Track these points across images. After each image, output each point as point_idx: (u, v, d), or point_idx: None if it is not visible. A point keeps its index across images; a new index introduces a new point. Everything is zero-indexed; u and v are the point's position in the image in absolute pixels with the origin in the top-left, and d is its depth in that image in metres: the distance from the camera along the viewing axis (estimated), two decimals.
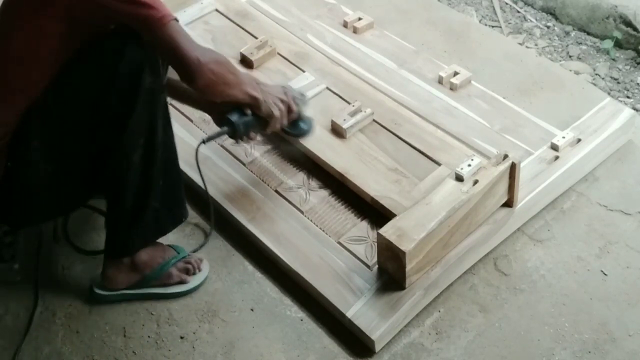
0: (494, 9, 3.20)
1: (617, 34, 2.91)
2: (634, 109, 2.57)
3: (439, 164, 2.13)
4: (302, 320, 1.93)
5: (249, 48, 2.50)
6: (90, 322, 1.95)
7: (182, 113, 2.36)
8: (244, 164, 2.24)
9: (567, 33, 3.05)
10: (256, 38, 2.56)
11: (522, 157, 2.12)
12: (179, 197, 1.94)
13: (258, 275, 2.03)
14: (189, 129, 2.33)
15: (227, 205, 2.13)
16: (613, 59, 2.89)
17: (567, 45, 2.99)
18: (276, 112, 1.95)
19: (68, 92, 1.71)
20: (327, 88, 2.40)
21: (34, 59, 1.70)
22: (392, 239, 1.82)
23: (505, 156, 1.97)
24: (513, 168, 1.96)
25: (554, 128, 2.26)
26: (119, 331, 1.92)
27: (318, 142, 2.20)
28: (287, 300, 1.97)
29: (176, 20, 1.71)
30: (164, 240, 2.00)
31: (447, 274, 1.94)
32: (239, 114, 1.94)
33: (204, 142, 2.00)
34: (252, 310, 1.96)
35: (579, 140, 2.20)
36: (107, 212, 1.91)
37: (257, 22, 2.68)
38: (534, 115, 2.31)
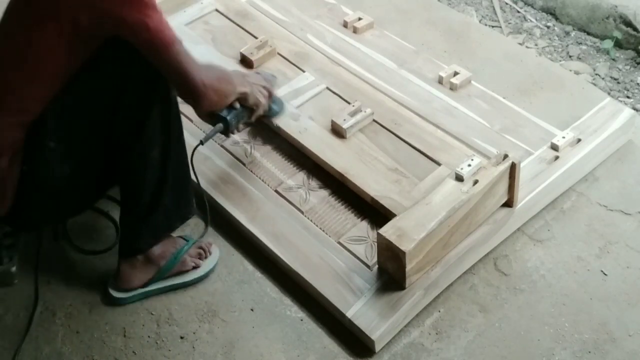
0: (494, 9, 3.20)
1: (617, 34, 2.91)
2: (634, 109, 2.57)
3: (439, 164, 2.13)
4: (302, 320, 1.93)
5: (249, 48, 2.50)
6: (90, 322, 1.95)
7: (182, 113, 2.35)
8: (244, 164, 2.24)
9: (567, 33, 3.05)
10: (256, 38, 2.56)
11: (522, 157, 2.12)
12: (187, 193, 1.96)
13: (258, 275, 2.03)
14: (188, 129, 2.32)
15: (227, 205, 2.13)
16: (613, 59, 2.89)
17: (567, 45, 2.99)
18: (262, 100, 2.05)
19: (85, 94, 1.72)
20: (327, 88, 2.39)
21: (44, 74, 1.69)
22: (392, 239, 1.82)
23: (505, 156, 1.97)
24: (513, 168, 1.96)
25: (554, 128, 2.26)
26: (119, 331, 1.93)
27: (318, 142, 2.20)
28: (287, 300, 1.97)
29: (181, 41, 1.73)
30: None
31: (447, 274, 1.94)
32: (228, 109, 1.98)
33: (202, 143, 2.02)
34: (252, 310, 1.96)
35: (579, 140, 2.20)
36: (122, 211, 1.93)
37: (257, 22, 2.68)
38: (534, 115, 2.31)
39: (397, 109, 2.31)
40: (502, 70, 2.64)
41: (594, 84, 2.72)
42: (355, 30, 2.63)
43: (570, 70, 2.79)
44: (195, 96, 1.79)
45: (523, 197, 2.05)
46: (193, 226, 2.15)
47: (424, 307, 1.92)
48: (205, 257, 2.02)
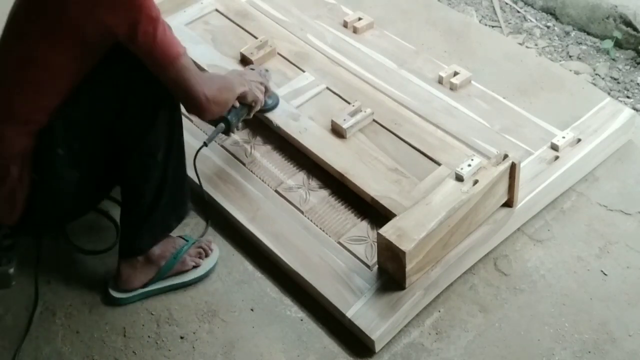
0: (494, 9, 3.20)
1: (617, 34, 2.91)
2: (634, 109, 2.57)
3: (439, 164, 2.13)
4: (302, 320, 1.93)
5: (249, 48, 2.50)
6: (90, 322, 1.95)
7: (183, 114, 2.35)
8: (244, 164, 2.24)
9: (567, 33, 3.05)
10: (256, 38, 2.56)
11: (522, 157, 2.12)
12: (184, 193, 1.97)
13: (258, 275, 2.03)
14: (189, 129, 2.32)
15: (227, 205, 2.13)
16: (613, 59, 2.89)
17: (567, 45, 2.99)
18: (260, 96, 2.08)
19: (91, 101, 1.72)
20: (327, 88, 2.39)
21: (51, 84, 1.70)
22: (392, 239, 1.82)
23: (505, 156, 1.97)
24: (513, 168, 1.96)
25: (554, 128, 2.26)
26: (119, 331, 1.93)
27: (318, 142, 2.20)
28: (287, 300, 1.97)
29: (185, 52, 1.73)
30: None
31: (447, 274, 1.94)
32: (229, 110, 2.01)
33: (205, 144, 2.04)
34: (252, 310, 1.96)
35: (579, 140, 2.20)
36: (123, 211, 1.93)
37: (257, 22, 2.68)
38: (534, 115, 2.31)
39: (397, 109, 2.31)
40: (502, 70, 2.64)
41: (594, 84, 2.72)
42: (355, 30, 2.63)
43: (570, 70, 2.78)
44: (198, 110, 1.82)
45: (523, 197, 2.05)
46: (193, 226, 2.15)
47: (424, 307, 1.92)
48: (206, 256, 2.03)
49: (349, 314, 1.86)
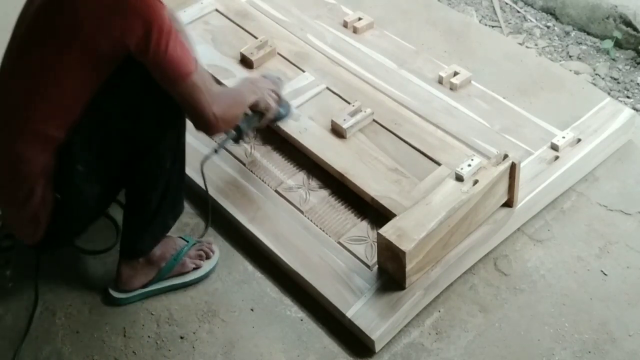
0: (494, 9, 3.20)
1: (617, 34, 2.91)
2: (634, 109, 2.57)
3: (439, 164, 2.13)
4: (302, 320, 1.93)
5: (249, 48, 2.50)
6: (90, 322, 1.95)
7: None
8: (244, 164, 2.24)
9: (567, 33, 3.05)
10: (256, 38, 2.56)
11: (522, 157, 2.12)
12: (180, 194, 1.97)
13: (258, 275, 2.03)
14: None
15: (227, 205, 2.13)
16: (613, 59, 2.89)
17: (567, 45, 2.99)
18: (272, 104, 2.07)
19: (105, 116, 1.71)
20: (327, 88, 2.40)
21: (66, 99, 1.68)
22: (392, 239, 1.82)
23: (505, 156, 1.97)
24: (513, 168, 1.96)
25: (554, 128, 2.26)
26: (119, 331, 1.93)
27: (318, 142, 2.20)
28: (287, 300, 1.97)
29: (196, 70, 1.71)
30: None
31: (447, 274, 1.94)
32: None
33: (215, 152, 2.07)
34: (252, 310, 1.96)
35: (579, 140, 2.20)
36: (127, 213, 1.93)
37: (257, 22, 2.68)
38: (534, 115, 2.31)
39: (397, 109, 2.31)
40: (502, 70, 2.64)
41: (594, 84, 2.72)
42: (355, 30, 2.63)
43: (570, 70, 2.78)
44: (206, 129, 1.81)
45: (523, 197, 2.05)
46: (193, 226, 2.15)
47: (424, 307, 1.92)
48: (207, 258, 2.03)
49: (349, 314, 1.86)
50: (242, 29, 2.65)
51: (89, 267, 2.07)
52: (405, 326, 1.89)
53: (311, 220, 2.08)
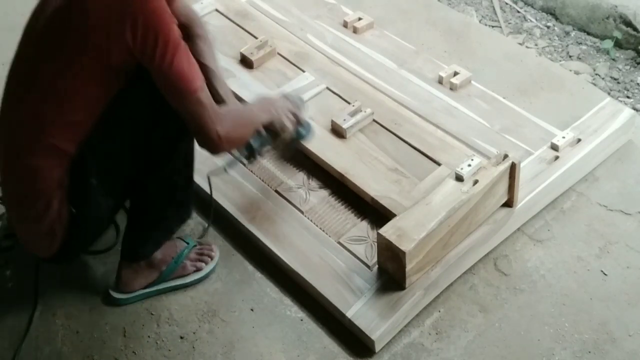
0: (494, 9, 3.20)
1: (617, 34, 2.91)
2: (634, 109, 2.57)
3: (439, 164, 2.13)
4: (302, 320, 1.93)
5: (249, 48, 2.50)
6: (90, 322, 1.95)
7: None
8: (244, 164, 2.24)
9: (567, 33, 3.05)
10: (256, 38, 2.56)
11: (522, 157, 2.12)
12: (188, 200, 1.97)
13: (258, 275, 2.03)
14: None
15: (228, 205, 2.13)
16: (613, 59, 2.89)
17: (567, 45, 2.99)
18: (288, 124, 1.99)
19: (118, 128, 1.71)
20: (327, 88, 2.40)
21: (77, 111, 1.68)
22: (392, 239, 1.82)
23: (505, 156, 1.97)
24: (513, 168, 1.96)
25: (554, 128, 2.26)
26: (119, 331, 1.92)
27: (318, 142, 2.20)
28: (287, 300, 1.97)
29: (202, 88, 1.70)
30: None
31: (447, 274, 1.94)
32: (253, 137, 1.95)
33: (225, 170, 2.09)
34: (252, 310, 1.96)
35: (579, 140, 2.20)
36: (132, 219, 1.93)
37: (257, 22, 2.68)
38: (534, 115, 2.31)
39: (397, 109, 2.31)
40: (502, 70, 2.64)
41: (594, 84, 2.72)
42: (355, 30, 2.63)
43: (570, 70, 2.78)
44: (209, 148, 1.78)
45: (523, 197, 2.05)
46: (193, 226, 2.15)
47: (424, 307, 1.92)
48: (208, 261, 2.03)
49: (349, 314, 1.86)
50: (242, 29, 2.65)
51: (89, 267, 2.07)
52: (405, 326, 1.89)
53: (311, 220, 2.08)
